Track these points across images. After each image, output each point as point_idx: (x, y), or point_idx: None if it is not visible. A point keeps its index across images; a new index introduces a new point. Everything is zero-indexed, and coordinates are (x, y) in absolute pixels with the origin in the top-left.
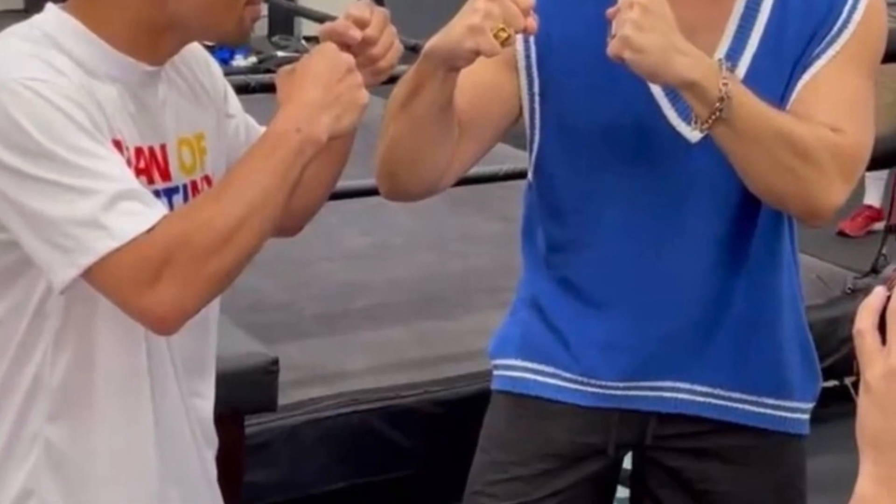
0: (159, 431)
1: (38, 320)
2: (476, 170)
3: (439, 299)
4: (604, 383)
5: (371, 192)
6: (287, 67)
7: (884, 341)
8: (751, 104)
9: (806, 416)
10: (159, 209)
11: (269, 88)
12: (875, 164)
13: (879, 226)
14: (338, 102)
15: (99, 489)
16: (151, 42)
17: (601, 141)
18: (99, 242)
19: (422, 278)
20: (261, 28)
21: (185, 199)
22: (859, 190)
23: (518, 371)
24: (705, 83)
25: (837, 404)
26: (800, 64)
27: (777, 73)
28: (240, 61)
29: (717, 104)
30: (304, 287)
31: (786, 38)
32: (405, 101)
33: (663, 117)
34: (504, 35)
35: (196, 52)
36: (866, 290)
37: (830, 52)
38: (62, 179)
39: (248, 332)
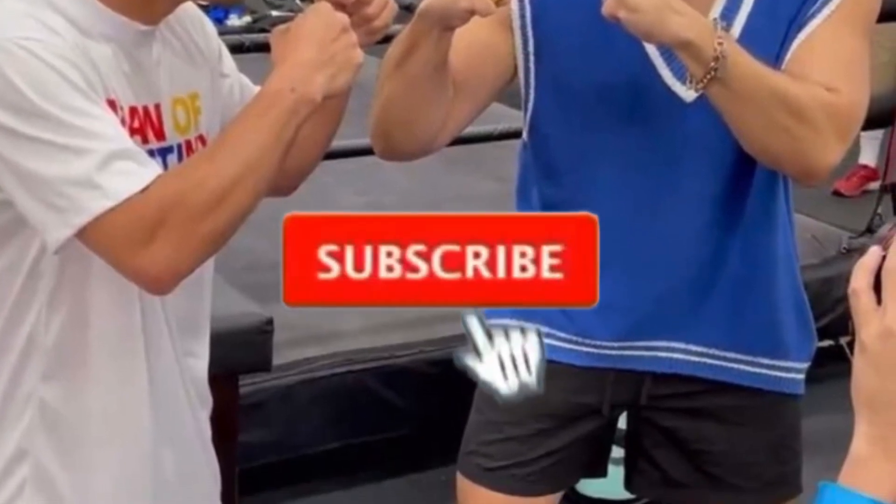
0: (153, 391)
1: (32, 280)
2: (471, 129)
3: None
4: (598, 343)
5: (366, 151)
6: (281, 27)
7: (879, 301)
8: (746, 64)
9: (801, 376)
10: (153, 169)
11: (264, 48)
12: (870, 123)
13: (875, 185)
14: (332, 62)
15: (93, 449)
16: (145, 1)
17: (596, 100)
18: (93, 202)
19: None
20: None
21: (180, 158)
22: (854, 150)
23: None
24: (700, 42)
25: (832, 364)
26: (795, 23)
27: (772, 33)
28: (234, 21)
29: (712, 63)
30: None
31: None
32: (400, 61)
33: (658, 77)
34: None
35: (190, 12)
36: (861, 250)
37: (826, 11)
38: (56, 139)
39: (242, 292)
